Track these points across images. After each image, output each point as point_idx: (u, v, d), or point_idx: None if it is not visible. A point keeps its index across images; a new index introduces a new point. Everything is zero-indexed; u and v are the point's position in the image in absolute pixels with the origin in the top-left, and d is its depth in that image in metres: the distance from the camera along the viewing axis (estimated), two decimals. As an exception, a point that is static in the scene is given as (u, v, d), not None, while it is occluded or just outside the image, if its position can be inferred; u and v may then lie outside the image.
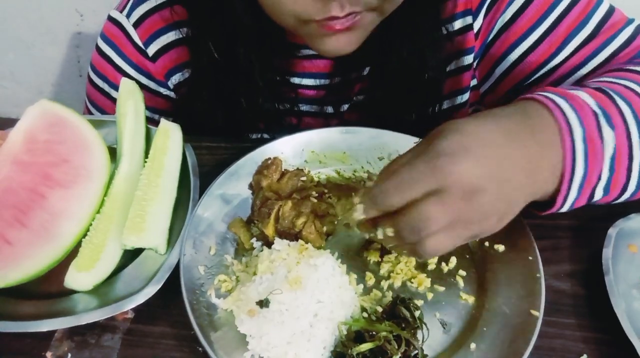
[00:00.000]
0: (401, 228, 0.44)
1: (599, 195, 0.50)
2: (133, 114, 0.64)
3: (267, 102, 0.74)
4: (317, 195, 0.59)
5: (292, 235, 0.56)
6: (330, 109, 0.78)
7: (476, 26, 0.70)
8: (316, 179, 0.64)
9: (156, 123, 0.64)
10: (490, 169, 0.43)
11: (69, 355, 0.50)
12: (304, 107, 0.78)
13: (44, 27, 1.25)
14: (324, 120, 0.79)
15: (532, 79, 0.68)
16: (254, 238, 0.57)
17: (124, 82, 0.66)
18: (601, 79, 0.55)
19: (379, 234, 0.47)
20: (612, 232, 0.56)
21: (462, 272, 0.56)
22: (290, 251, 0.53)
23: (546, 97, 0.48)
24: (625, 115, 0.49)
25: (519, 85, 0.70)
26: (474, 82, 0.76)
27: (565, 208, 0.50)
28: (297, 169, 0.61)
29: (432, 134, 0.45)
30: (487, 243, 0.58)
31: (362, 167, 0.66)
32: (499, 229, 0.47)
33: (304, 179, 0.60)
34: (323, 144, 0.66)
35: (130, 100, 0.65)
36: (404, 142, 0.64)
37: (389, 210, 0.45)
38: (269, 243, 0.55)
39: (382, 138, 0.66)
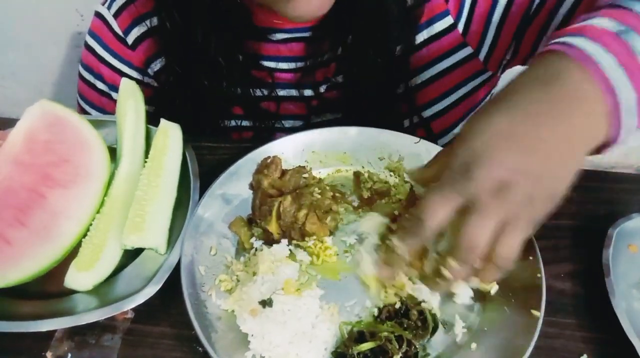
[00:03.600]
0: (459, 259, 0.44)
1: None
2: (133, 113, 0.64)
3: (242, 88, 0.75)
4: (319, 191, 0.59)
5: (296, 230, 0.56)
6: (309, 92, 0.77)
7: None
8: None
9: (156, 123, 0.64)
10: (513, 160, 0.42)
11: (69, 355, 0.50)
12: (282, 92, 0.78)
13: (44, 27, 1.25)
14: (303, 104, 0.78)
15: (522, 25, 0.67)
16: (254, 238, 0.57)
17: (124, 82, 0.66)
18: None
19: (446, 274, 0.45)
20: (612, 232, 0.56)
21: (462, 272, 0.56)
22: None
23: (561, 43, 0.44)
24: None
25: (516, 37, 0.69)
26: (468, 51, 0.74)
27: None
28: (299, 166, 0.61)
29: (453, 143, 0.45)
30: (487, 243, 0.57)
31: (363, 167, 0.66)
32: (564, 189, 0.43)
33: (306, 176, 0.60)
34: (323, 144, 0.66)
35: (130, 100, 0.65)
36: (404, 142, 0.65)
37: (428, 237, 0.45)
38: (270, 242, 0.55)
39: (383, 138, 0.66)
